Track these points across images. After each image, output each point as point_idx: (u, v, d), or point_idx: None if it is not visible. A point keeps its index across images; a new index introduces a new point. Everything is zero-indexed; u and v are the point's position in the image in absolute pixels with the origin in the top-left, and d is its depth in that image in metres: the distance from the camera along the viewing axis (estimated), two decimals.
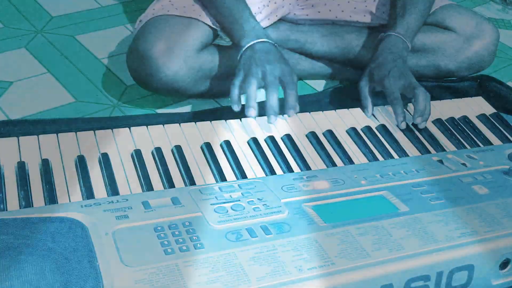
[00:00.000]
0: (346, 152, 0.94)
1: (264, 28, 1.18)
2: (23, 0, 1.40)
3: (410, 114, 1.03)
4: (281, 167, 0.89)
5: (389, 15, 1.16)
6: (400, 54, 1.06)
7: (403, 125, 1.00)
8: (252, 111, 0.93)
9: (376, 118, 1.03)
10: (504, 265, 0.77)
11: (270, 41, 1.01)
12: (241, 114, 0.96)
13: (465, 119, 1.07)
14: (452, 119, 1.06)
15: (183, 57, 1.02)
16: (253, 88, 0.94)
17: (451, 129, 1.03)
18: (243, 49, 0.99)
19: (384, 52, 1.06)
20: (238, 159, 0.89)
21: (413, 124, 1.01)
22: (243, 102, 0.96)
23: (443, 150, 0.98)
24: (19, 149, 0.84)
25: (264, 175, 0.87)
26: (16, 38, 1.28)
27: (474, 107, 1.11)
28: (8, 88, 1.14)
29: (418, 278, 0.71)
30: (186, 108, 1.13)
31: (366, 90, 1.04)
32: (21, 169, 0.81)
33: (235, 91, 0.95)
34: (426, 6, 1.14)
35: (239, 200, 0.77)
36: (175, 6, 1.08)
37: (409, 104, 1.05)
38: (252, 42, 0.99)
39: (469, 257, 0.74)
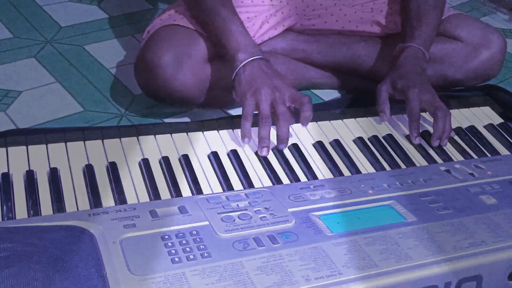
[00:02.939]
0: (353, 161, 0.94)
1: (271, 38, 1.19)
2: (33, 11, 1.42)
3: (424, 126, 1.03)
4: (288, 177, 0.89)
5: (404, 26, 1.15)
6: (422, 66, 1.06)
7: (417, 141, 0.99)
8: (266, 150, 0.92)
9: (387, 127, 1.03)
10: None
11: (264, 58, 0.99)
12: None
13: (472, 129, 1.07)
14: (459, 129, 1.06)
15: (190, 68, 1.03)
16: (268, 129, 0.93)
17: (459, 138, 1.03)
18: (239, 67, 0.97)
19: (407, 63, 1.05)
20: (245, 168, 0.89)
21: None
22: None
23: (450, 160, 0.98)
24: (28, 158, 0.85)
25: (271, 184, 0.87)
26: (25, 48, 1.29)
27: (482, 117, 1.11)
28: (17, 98, 1.15)
29: None
30: (193, 118, 1.14)
31: (386, 95, 1.03)
32: (30, 177, 0.81)
33: (247, 125, 0.93)
34: (439, 16, 1.14)
35: (246, 209, 0.77)
36: (182, 16, 1.09)
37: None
38: (248, 60, 0.97)
39: (478, 267, 0.73)
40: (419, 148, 0.99)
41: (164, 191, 0.83)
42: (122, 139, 0.91)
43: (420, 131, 1.00)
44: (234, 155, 0.91)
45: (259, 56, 0.98)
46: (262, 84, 0.95)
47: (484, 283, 0.74)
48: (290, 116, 0.94)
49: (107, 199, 0.80)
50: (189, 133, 0.95)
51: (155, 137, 0.93)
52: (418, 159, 0.97)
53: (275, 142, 0.94)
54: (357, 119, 1.04)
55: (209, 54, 1.07)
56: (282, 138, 0.93)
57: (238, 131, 0.96)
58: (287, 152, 0.94)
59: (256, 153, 0.93)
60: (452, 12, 1.22)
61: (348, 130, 1.01)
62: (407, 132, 1.02)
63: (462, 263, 0.73)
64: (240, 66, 0.97)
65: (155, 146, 0.91)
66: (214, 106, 1.14)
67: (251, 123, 0.94)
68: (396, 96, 1.03)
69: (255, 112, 0.95)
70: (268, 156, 0.92)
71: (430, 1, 1.14)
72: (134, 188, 0.83)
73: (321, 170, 0.91)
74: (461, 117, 1.09)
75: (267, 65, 0.98)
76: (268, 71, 0.97)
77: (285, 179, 0.88)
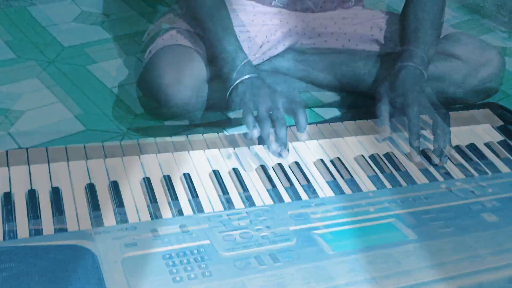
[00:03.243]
0: (354, 179, 0.94)
1: (272, 57, 1.20)
2: (36, 31, 1.43)
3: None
4: (289, 195, 0.89)
5: (402, 44, 1.15)
6: (421, 85, 1.07)
7: (417, 160, 0.99)
8: (274, 146, 0.94)
9: (388, 144, 1.03)
10: None
11: (257, 75, 1.01)
12: (249, 142, 0.97)
13: (472, 146, 1.07)
14: (459, 147, 1.06)
15: (192, 87, 1.04)
16: (268, 129, 0.94)
17: (459, 156, 1.03)
18: (234, 85, 0.99)
19: (406, 82, 1.06)
20: (247, 187, 0.89)
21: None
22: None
23: (451, 177, 0.98)
24: (30, 177, 0.85)
25: (272, 203, 0.87)
26: (28, 68, 1.30)
27: (482, 134, 1.11)
28: (20, 117, 1.15)
29: None
30: (195, 136, 1.14)
31: (387, 114, 1.04)
32: (32, 197, 0.82)
33: (250, 118, 0.95)
34: (437, 35, 1.15)
35: (248, 227, 0.77)
36: (184, 36, 1.10)
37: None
38: (241, 78, 0.99)
39: (479, 285, 0.73)
40: (420, 166, 0.99)
41: (165, 210, 0.83)
42: (124, 158, 0.91)
43: (421, 148, 1.01)
44: (235, 173, 0.92)
45: (251, 75, 1.00)
46: (255, 95, 0.97)
47: None
48: (286, 121, 0.95)
49: (109, 218, 0.80)
50: (190, 152, 0.95)
51: (157, 155, 0.93)
52: (419, 177, 0.97)
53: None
54: (357, 137, 1.04)
55: (211, 73, 1.08)
56: (282, 143, 0.94)
57: (238, 150, 0.96)
58: (288, 169, 0.94)
59: (257, 171, 0.93)
60: (451, 30, 1.23)
61: (349, 147, 1.02)
62: (408, 150, 1.02)
63: (464, 281, 0.73)
64: (233, 85, 0.99)
65: (157, 165, 0.91)
66: (216, 124, 1.14)
67: (253, 120, 0.95)
68: (396, 115, 1.04)
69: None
70: (269, 174, 0.92)
71: (428, 20, 1.14)
72: (136, 207, 0.83)
73: (322, 188, 0.91)
74: (461, 134, 1.10)
75: (259, 83, 1.00)
76: (261, 86, 0.99)
77: (286, 197, 0.88)
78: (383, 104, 1.05)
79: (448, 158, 1.01)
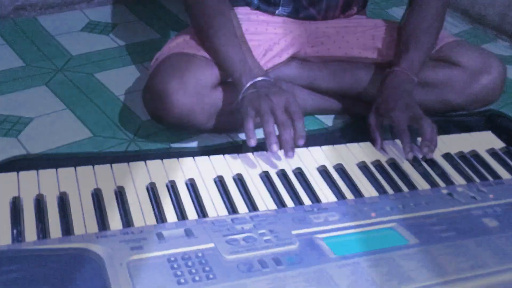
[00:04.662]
0: (356, 185, 0.95)
1: (276, 65, 1.21)
2: (45, 40, 1.45)
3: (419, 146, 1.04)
4: (292, 200, 0.90)
5: (395, 51, 1.18)
6: (405, 87, 1.08)
7: (410, 156, 1.00)
8: (275, 147, 0.93)
9: (386, 152, 1.04)
10: None
11: (268, 78, 1.02)
12: (253, 149, 0.97)
13: (474, 153, 1.07)
14: (461, 153, 1.06)
15: (196, 94, 1.04)
16: (271, 125, 0.94)
17: (460, 163, 1.04)
18: (244, 88, 1.00)
19: (390, 86, 1.08)
20: (250, 192, 0.90)
21: (422, 156, 1.01)
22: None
23: (452, 183, 0.98)
24: (38, 183, 0.86)
25: (276, 207, 0.87)
26: (37, 76, 1.31)
27: (483, 141, 1.11)
28: (28, 124, 1.16)
29: None
30: (199, 143, 1.15)
31: (375, 124, 1.05)
32: (39, 201, 0.82)
33: (250, 125, 0.95)
34: (429, 41, 1.16)
35: (251, 231, 0.78)
36: (189, 44, 1.11)
37: (418, 138, 1.05)
38: (252, 81, 1.00)
39: None
40: (421, 172, 1.00)
41: (170, 214, 0.84)
42: (130, 163, 0.92)
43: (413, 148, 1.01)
44: (239, 179, 0.92)
45: (262, 78, 1.01)
46: (262, 97, 0.97)
47: None
48: (291, 124, 0.95)
49: (115, 222, 0.81)
50: (195, 158, 0.96)
51: (162, 161, 0.94)
52: (420, 183, 0.97)
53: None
54: (360, 143, 1.05)
55: (215, 80, 1.08)
56: (286, 145, 0.93)
57: (243, 156, 0.97)
58: (291, 175, 0.95)
59: (261, 177, 0.94)
60: (452, 38, 1.24)
61: (352, 154, 1.02)
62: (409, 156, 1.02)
63: (464, 285, 0.73)
64: (244, 89, 1.00)
65: (162, 170, 0.92)
66: (220, 131, 1.15)
67: (253, 124, 0.95)
68: (384, 121, 1.05)
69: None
70: (272, 180, 0.93)
71: (422, 27, 1.15)
72: (142, 211, 0.84)
73: (325, 193, 0.92)
74: (463, 141, 1.10)
75: (269, 83, 1.00)
76: (270, 87, 0.99)
77: (289, 202, 0.89)
78: (371, 114, 1.06)
79: (450, 165, 1.02)
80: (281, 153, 0.96)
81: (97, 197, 0.85)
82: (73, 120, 1.19)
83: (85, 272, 0.68)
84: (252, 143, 0.94)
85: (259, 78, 1.00)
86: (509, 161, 1.06)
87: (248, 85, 1.00)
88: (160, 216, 0.83)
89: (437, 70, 1.18)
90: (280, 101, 0.96)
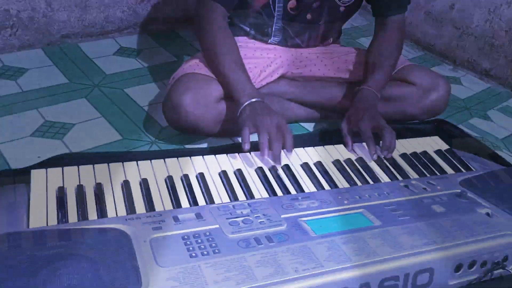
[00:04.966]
0: (332, 178, 0.94)
1: (269, 83, 1.21)
2: (85, 62, 1.44)
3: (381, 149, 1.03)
4: (281, 190, 0.89)
5: (363, 73, 1.18)
6: (371, 103, 1.08)
7: (375, 157, 1.00)
8: (267, 154, 0.94)
9: (355, 153, 1.04)
10: (457, 268, 0.76)
11: (261, 99, 1.01)
12: (250, 150, 0.97)
13: (425, 153, 1.07)
14: (415, 153, 1.06)
15: (205, 106, 1.04)
16: (265, 137, 0.94)
17: (414, 161, 1.04)
18: (243, 106, 1.00)
19: (359, 101, 1.08)
20: (248, 183, 0.89)
21: (383, 156, 1.01)
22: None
23: (408, 177, 0.98)
24: (79, 176, 0.85)
25: (268, 196, 0.87)
26: (78, 91, 1.31)
27: (432, 144, 1.11)
28: (71, 129, 1.16)
29: (390, 278, 0.70)
30: (207, 144, 1.15)
31: (346, 130, 1.05)
32: (80, 191, 0.82)
33: (247, 134, 0.95)
34: (390, 65, 1.16)
35: (248, 215, 0.78)
36: (200, 66, 1.11)
37: (381, 142, 1.05)
38: (249, 101, 1.00)
39: (430, 262, 0.73)
40: (384, 168, 1.00)
41: (184, 201, 0.83)
42: (152, 160, 0.92)
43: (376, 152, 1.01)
44: (239, 173, 0.92)
45: (257, 99, 1.00)
46: (258, 116, 0.97)
47: (435, 275, 0.74)
48: (281, 140, 0.95)
49: (140, 207, 0.81)
50: (204, 156, 0.95)
51: (177, 159, 0.93)
52: (383, 177, 0.97)
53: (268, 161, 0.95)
54: (335, 145, 1.04)
55: (220, 95, 1.08)
56: (275, 158, 0.94)
57: (242, 155, 0.97)
58: (280, 171, 0.94)
59: (256, 171, 0.93)
60: (408, 63, 1.24)
61: (328, 154, 1.02)
62: (374, 156, 1.02)
63: (418, 258, 0.73)
64: (242, 107, 1.00)
65: (178, 166, 0.92)
66: (223, 135, 1.15)
67: (249, 133, 0.95)
68: (354, 129, 1.04)
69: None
70: (265, 174, 0.93)
71: (385, 54, 1.16)
72: (161, 198, 0.83)
73: (307, 185, 0.92)
74: (416, 144, 1.10)
75: (262, 105, 1.00)
76: (263, 108, 0.99)
77: (279, 192, 0.89)
78: (343, 122, 1.06)
79: (405, 162, 1.02)
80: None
81: (125, 187, 0.84)
82: (106, 126, 1.18)
83: (116, 247, 0.67)
84: (246, 147, 0.94)
85: (254, 100, 1.00)
86: (452, 159, 1.06)
87: (245, 104, 1.00)
88: (176, 203, 0.83)
89: (396, 88, 1.18)
90: (273, 121, 0.97)
